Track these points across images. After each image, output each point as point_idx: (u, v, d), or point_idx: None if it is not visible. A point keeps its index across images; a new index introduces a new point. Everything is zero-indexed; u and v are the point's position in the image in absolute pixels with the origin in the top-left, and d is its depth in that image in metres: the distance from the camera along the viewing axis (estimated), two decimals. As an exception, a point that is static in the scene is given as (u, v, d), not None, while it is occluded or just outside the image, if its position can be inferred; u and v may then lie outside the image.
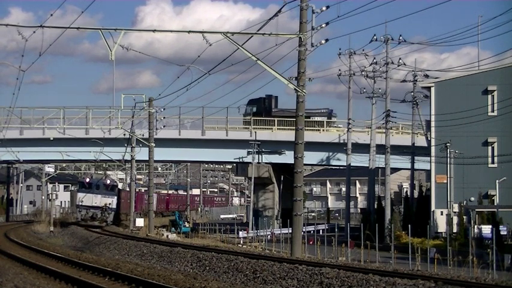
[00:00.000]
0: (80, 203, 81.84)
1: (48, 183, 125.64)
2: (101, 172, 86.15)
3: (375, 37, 64.46)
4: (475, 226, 53.85)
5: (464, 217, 57.55)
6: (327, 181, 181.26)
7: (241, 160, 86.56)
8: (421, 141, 72.20)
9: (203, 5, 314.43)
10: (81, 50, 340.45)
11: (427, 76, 68.30)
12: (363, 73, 69.37)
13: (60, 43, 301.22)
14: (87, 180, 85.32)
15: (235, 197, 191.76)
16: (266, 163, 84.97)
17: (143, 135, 67.33)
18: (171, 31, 40.91)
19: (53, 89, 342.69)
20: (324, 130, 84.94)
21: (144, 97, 64.37)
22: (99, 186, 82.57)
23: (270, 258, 31.40)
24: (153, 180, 64.57)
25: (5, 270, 29.41)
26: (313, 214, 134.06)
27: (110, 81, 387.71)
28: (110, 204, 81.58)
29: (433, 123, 63.23)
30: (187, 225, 73.98)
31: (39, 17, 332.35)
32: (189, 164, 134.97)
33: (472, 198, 60.78)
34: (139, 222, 68.90)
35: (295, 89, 35.84)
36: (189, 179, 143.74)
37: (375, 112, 72.38)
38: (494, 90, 62.05)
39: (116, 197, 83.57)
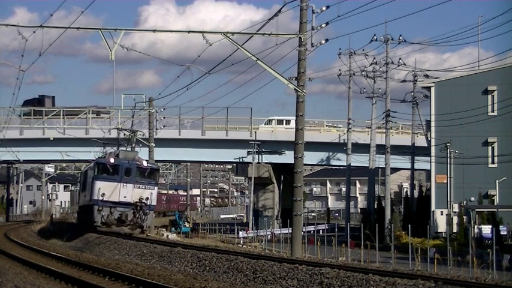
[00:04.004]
0: (100, 198, 51.71)
1: (48, 183, 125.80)
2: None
3: (375, 37, 64.58)
4: (475, 226, 53.90)
5: (464, 217, 57.60)
6: (327, 181, 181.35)
7: (241, 160, 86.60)
8: (421, 141, 72.22)
9: (207, 5, 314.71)
10: (83, 50, 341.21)
11: (427, 76, 68.40)
12: (363, 73, 69.47)
13: (62, 43, 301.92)
14: (112, 160, 52.61)
15: (199, 195, 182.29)
16: (266, 163, 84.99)
17: (143, 135, 67.25)
18: (171, 31, 40.83)
19: (54, 89, 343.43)
20: (324, 130, 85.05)
21: (144, 97, 64.37)
22: (130, 170, 52.39)
23: (270, 258, 31.33)
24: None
25: (5, 270, 29.36)
26: (313, 214, 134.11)
27: (111, 82, 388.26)
28: (147, 199, 52.22)
29: (433, 123, 63.27)
30: (187, 225, 73.95)
31: (43, 18, 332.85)
32: (189, 164, 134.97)
33: (472, 198, 60.80)
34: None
35: (295, 89, 35.86)
36: (189, 179, 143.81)
37: (375, 112, 72.48)
38: (494, 90, 62.09)
39: (156, 188, 54.47)
